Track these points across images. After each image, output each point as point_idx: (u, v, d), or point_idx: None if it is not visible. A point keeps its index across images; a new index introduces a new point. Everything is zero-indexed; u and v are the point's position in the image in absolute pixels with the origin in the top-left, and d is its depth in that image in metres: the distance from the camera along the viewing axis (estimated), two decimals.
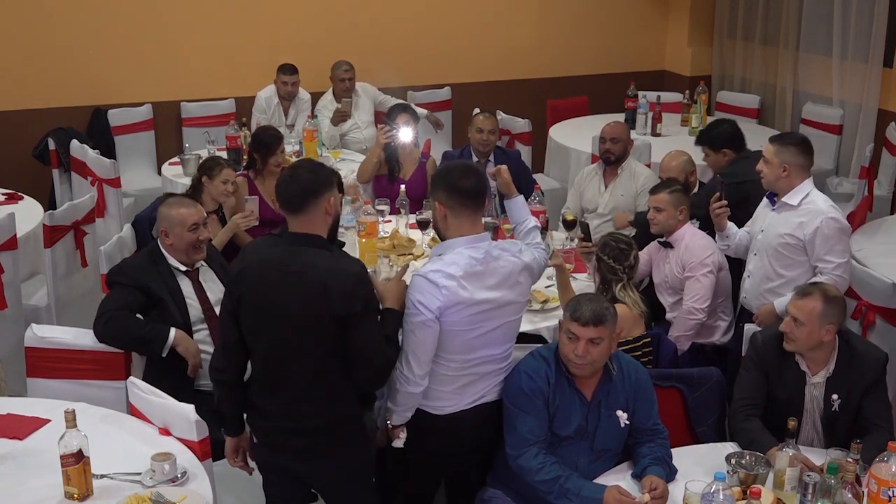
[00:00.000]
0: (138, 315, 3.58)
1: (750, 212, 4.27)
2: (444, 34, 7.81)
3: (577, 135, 6.67)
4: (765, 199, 4.13)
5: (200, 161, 5.04)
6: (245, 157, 5.49)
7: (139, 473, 2.78)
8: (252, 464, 3.21)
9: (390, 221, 4.92)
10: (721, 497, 2.58)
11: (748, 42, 7.99)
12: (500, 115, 6.77)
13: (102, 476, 2.75)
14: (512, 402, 3.09)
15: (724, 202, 4.17)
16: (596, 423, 3.07)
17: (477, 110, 5.71)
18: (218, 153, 5.77)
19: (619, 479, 3.00)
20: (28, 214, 5.12)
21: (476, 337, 3.03)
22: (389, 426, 3.12)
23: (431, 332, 2.96)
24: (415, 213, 4.89)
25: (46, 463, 2.79)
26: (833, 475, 2.72)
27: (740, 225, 4.29)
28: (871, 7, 6.73)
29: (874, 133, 6.79)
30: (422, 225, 4.75)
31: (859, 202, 5.69)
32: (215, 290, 3.71)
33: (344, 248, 3.02)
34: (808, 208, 3.91)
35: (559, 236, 4.77)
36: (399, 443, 3.11)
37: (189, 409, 2.93)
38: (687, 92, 7.17)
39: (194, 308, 3.69)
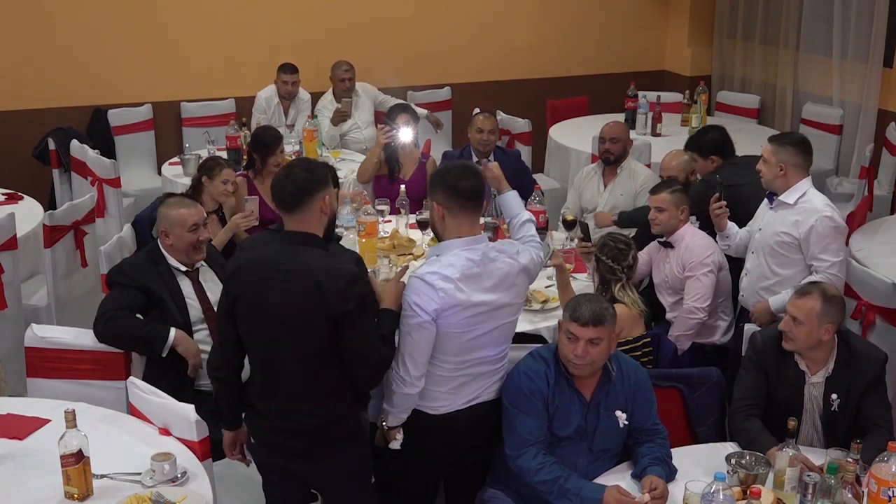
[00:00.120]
0: (138, 315, 3.58)
1: (736, 216, 4.29)
2: (444, 34, 7.81)
3: (577, 135, 6.67)
4: (765, 199, 4.14)
5: (200, 161, 5.04)
6: (245, 157, 5.49)
7: (139, 473, 2.78)
8: (250, 457, 3.20)
9: (390, 221, 4.92)
10: (721, 497, 2.58)
11: (748, 42, 7.99)
12: (500, 115, 6.77)
13: (102, 476, 2.75)
14: (511, 403, 3.08)
15: (724, 202, 4.19)
16: (595, 423, 3.07)
17: (477, 110, 5.71)
18: (218, 153, 5.78)
19: (618, 479, 3.00)
20: (28, 214, 5.12)
21: (472, 339, 3.03)
22: (385, 428, 3.11)
23: (428, 334, 2.96)
24: (415, 213, 4.89)
25: (46, 463, 2.79)
26: (833, 475, 2.72)
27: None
28: (871, 7, 6.73)
29: (874, 133, 6.79)
30: (422, 225, 4.75)
31: (859, 202, 5.69)
32: (215, 290, 3.70)
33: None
34: (803, 207, 3.92)
35: (559, 236, 4.77)
36: (396, 444, 3.10)
37: (189, 409, 2.93)
38: (687, 92, 7.17)
39: (194, 308, 3.69)
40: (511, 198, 3.47)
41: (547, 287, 4.12)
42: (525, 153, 6.67)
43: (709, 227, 4.40)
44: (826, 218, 3.86)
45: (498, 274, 3.04)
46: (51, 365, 3.49)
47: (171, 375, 3.52)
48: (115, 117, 6.94)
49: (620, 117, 6.46)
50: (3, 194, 5.45)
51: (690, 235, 4.28)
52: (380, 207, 4.91)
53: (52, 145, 6.29)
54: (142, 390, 3.09)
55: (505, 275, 3.06)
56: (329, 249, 2.94)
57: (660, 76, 8.60)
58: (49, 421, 3.07)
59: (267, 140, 5.05)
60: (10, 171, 6.34)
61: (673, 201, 4.25)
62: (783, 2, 7.52)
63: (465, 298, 2.96)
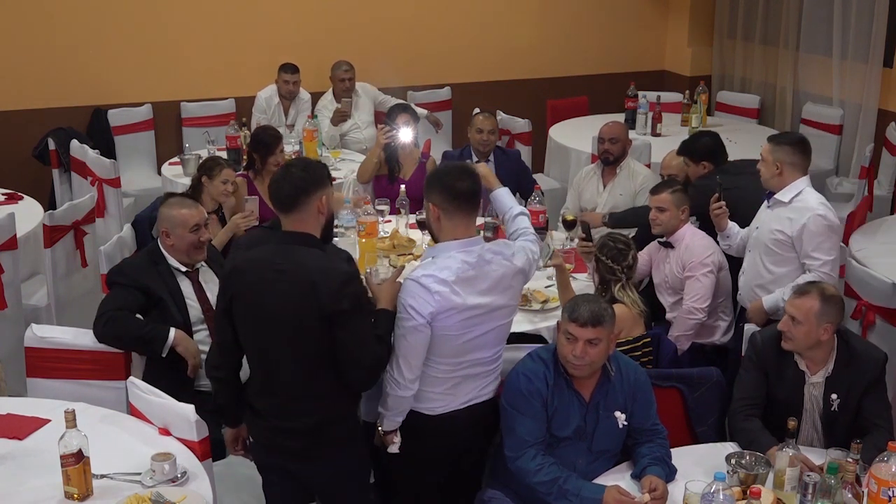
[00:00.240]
0: (138, 315, 3.58)
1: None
2: (444, 34, 7.81)
3: (577, 135, 6.67)
4: (765, 199, 4.14)
5: (200, 161, 5.04)
6: (245, 157, 5.49)
7: (139, 473, 2.78)
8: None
9: (390, 221, 4.92)
10: (721, 497, 2.58)
11: (748, 42, 7.99)
12: (500, 115, 6.77)
13: (102, 476, 2.75)
14: (510, 404, 3.08)
15: (723, 203, 4.20)
16: (594, 424, 3.07)
17: (477, 110, 5.71)
18: (218, 153, 5.77)
19: (618, 479, 3.00)
20: (28, 214, 5.12)
21: (467, 341, 3.02)
22: (382, 432, 3.11)
23: (423, 337, 2.95)
24: (415, 213, 4.89)
25: (46, 463, 2.79)
26: (833, 475, 2.72)
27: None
28: (871, 7, 6.73)
29: (874, 133, 6.79)
30: (422, 225, 4.74)
31: (859, 202, 5.69)
32: (215, 290, 3.67)
33: (343, 248, 3.02)
34: (798, 205, 3.93)
35: (559, 236, 4.77)
36: (394, 448, 3.10)
37: (189, 409, 2.93)
38: (687, 92, 7.17)
39: (194, 308, 3.69)
40: (503, 194, 3.46)
41: (547, 287, 4.12)
42: (525, 153, 6.67)
43: (709, 227, 4.40)
44: (819, 216, 3.86)
45: (493, 276, 3.03)
46: (51, 365, 3.48)
47: (171, 375, 3.52)
48: (115, 117, 6.94)
49: (620, 117, 6.46)
50: (3, 194, 5.45)
51: (690, 235, 4.28)
52: (380, 207, 4.91)
53: (52, 145, 6.29)
54: (142, 390, 3.09)
55: (500, 277, 3.05)
56: (326, 250, 2.94)
57: (660, 76, 8.60)
58: (49, 421, 3.07)
59: (267, 140, 5.05)
60: (10, 171, 6.33)
61: (674, 201, 4.25)
62: (783, 2, 7.52)
63: (461, 301, 2.95)
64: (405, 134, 5.31)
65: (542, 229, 4.50)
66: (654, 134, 6.68)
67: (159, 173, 6.62)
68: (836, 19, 6.99)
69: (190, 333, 3.63)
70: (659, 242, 4.38)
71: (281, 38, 7.22)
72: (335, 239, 4.08)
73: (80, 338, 3.51)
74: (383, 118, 5.72)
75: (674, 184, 4.41)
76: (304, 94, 6.91)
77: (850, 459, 2.81)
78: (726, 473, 2.81)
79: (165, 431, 3.01)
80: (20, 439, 2.99)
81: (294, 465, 3.01)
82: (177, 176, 5.89)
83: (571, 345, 2.98)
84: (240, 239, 4.28)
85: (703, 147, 4.87)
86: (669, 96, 7.30)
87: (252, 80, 6.99)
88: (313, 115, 6.67)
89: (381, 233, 4.69)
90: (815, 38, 7.30)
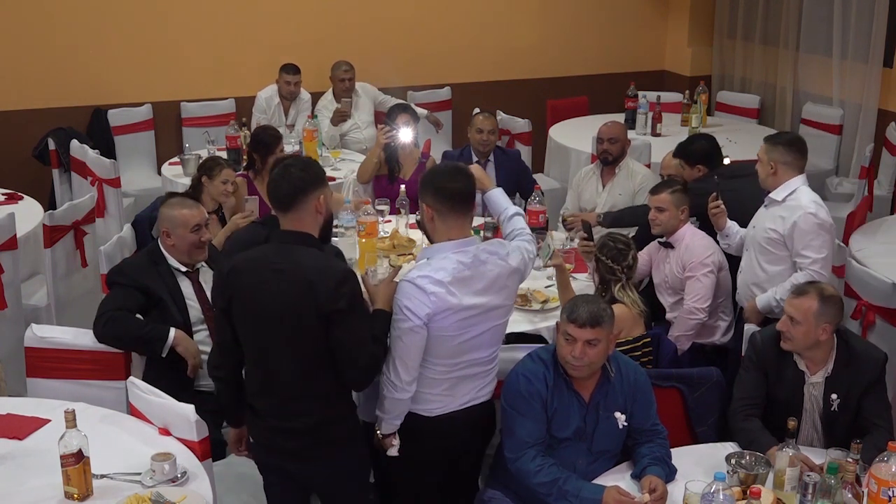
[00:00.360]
0: (138, 315, 3.58)
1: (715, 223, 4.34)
2: (444, 34, 7.81)
3: (576, 135, 6.67)
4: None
5: (200, 161, 5.04)
6: (245, 157, 5.49)
7: (139, 473, 2.78)
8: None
9: (390, 221, 4.92)
10: (721, 497, 2.58)
11: (748, 42, 7.98)
12: (500, 115, 6.77)
13: (102, 476, 2.75)
14: (510, 405, 3.08)
15: (720, 202, 4.22)
16: (594, 424, 3.06)
17: (477, 110, 5.71)
18: (218, 153, 5.78)
19: (618, 479, 3.00)
20: (28, 214, 5.12)
21: (464, 342, 3.02)
22: (380, 436, 3.11)
23: (419, 339, 2.94)
24: (415, 213, 4.88)
25: (46, 463, 2.79)
26: (833, 475, 2.72)
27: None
28: (871, 7, 6.73)
29: (874, 133, 6.78)
30: (421, 225, 4.74)
31: (859, 202, 5.69)
32: None
33: (341, 248, 3.01)
34: (790, 204, 3.95)
35: (559, 236, 4.77)
36: (393, 451, 3.09)
37: (189, 409, 2.93)
38: (687, 92, 7.17)
39: (194, 309, 3.69)
40: (497, 195, 3.42)
41: (547, 287, 4.13)
42: (525, 153, 6.67)
43: (709, 227, 4.41)
44: (810, 214, 3.87)
45: (489, 276, 3.02)
46: (51, 365, 3.49)
47: (171, 375, 3.52)
48: (115, 117, 6.94)
49: (620, 117, 6.46)
50: (3, 194, 5.45)
51: (690, 235, 4.28)
52: (380, 207, 4.91)
53: (52, 145, 6.29)
54: (142, 390, 3.09)
55: (496, 277, 3.04)
56: (324, 249, 2.94)
57: (660, 76, 8.60)
58: (49, 421, 3.07)
59: (266, 140, 5.05)
60: (10, 171, 6.33)
61: (673, 201, 4.25)
62: (783, 2, 7.52)
63: (457, 302, 2.95)
64: (405, 134, 5.31)
65: (542, 229, 4.50)
66: (654, 134, 6.68)
67: (159, 173, 6.62)
68: (836, 19, 6.99)
69: (190, 334, 3.62)
70: (659, 242, 4.38)
71: (281, 38, 7.22)
72: (335, 239, 4.09)
73: (80, 338, 3.51)
74: (383, 118, 5.72)
75: (673, 184, 4.41)
76: (305, 95, 6.91)
77: (850, 459, 2.81)
78: (726, 473, 2.81)
79: (165, 431, 3.01)
80: (20, 439, 2.99)
81: (293, 466, 3.00)
82: (177, 176, 5.89)
83: (570, 346, 2.98)
84: (231, 235, 4.27)
85: (698, 150, 4.88)
86: (669, 96, 7.30)
87: (252, 80, 6.99)
88: (313, 115, 6.67)
89: (381, 233, 4.69)
90: (815, 38, 7.30)
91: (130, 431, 3.06)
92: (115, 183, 5.68)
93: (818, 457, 2.98)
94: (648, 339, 3.77)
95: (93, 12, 6.81)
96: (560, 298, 3.90)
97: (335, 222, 4.16)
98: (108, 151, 6.64)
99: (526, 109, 7.29)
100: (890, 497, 2.63)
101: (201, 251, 3.71)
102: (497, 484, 3.24)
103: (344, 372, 2.89)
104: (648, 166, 5.61)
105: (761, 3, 7.77)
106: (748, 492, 2.72)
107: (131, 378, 3.23)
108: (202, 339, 3.66)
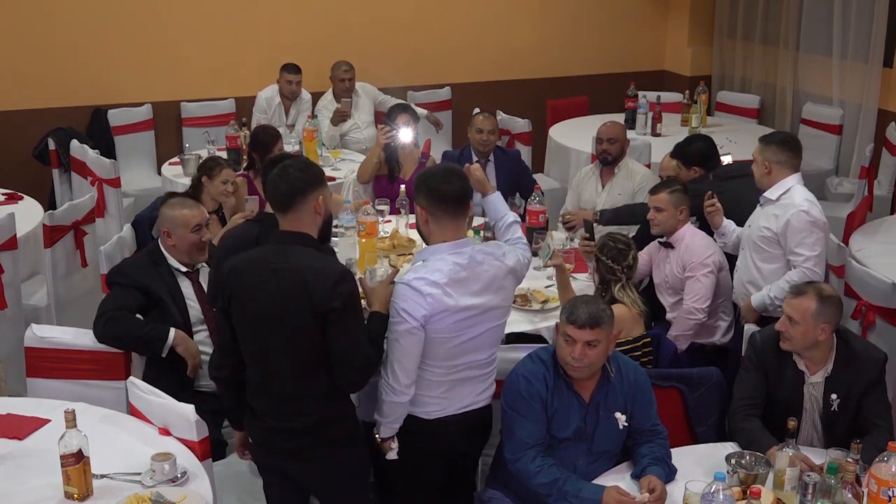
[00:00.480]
0: (138, 315, 3.58)
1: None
2: (444, 34, 7.81)
3: (576, 135, 6.67)
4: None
5: (200, 161, 5.04)
6: (245, 157, 5.49)
7: (139, 473, 2.78)
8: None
9: (390, 221, 4.92)
10: (721, 497, 2.58)
11: (748, 42, 7.98)
12: (500, 115, 6.77)
13: (102, 476, 2.75)
14: (510, 406, 3.07)
15: (715, 200, 4.25)
16: (594, 425, 3.06)
17: (477, 110, 5.71)
18: (218, 153, 5.78)
19: (618, 479, 3.00)
20: (28, 214, 5.12)
21: (461, 343, 3.01)
22: (379, 440, 3.10)
23: (416, 340, 2.94)
24: (414, 214, 4.88)
25: (46, 463, 2.79)
26: (833, 475, 2.72)
27: None
28: (871, 7, 6.73)
29: (874, 133, 6.78)
30: None
31: (859, 202, 5.69)
32: None
33: (342, 248, 3.01)
34: (784, 202, 3.97)
35: (559, 236, 4.77)
36: (392, 454, 3.08)
37: (189, 409, 2.93)
38: (687, 92, 7.17)
39: (194, 309, 3.69)
40: (496, 200, 3.43)
41: (547, 287, 4.13)
42: (525, 153, 6.67)
43: (708, 227, 4.41)
44: (802, 212, 3.89)
45: (485, 277, 3.02)
46: (51, 365, 3.49)
47: (171, 376, 3.52)
48: (115, 117, 6.94)
49: (620, 117, 6.46)
50: (3, 194, 5.45)
51: (690, 236, 4.28)
52: (380, 207, 4.91)
53: (52, 145, 6.29)
54: (142, 390, 3.09)
55: (492, 277, 3.04)
56: (322, 250, 2.94)
57: (660, 76, 8.60)
58: (49, 421, 3.07)
59: (265, 139, 5.06)
60: (10, 171, 6.33)
61: (672, 202, 4.25)
62: (783, 2, 7.52)
63: (454, 303, 2.94)
64: (405, 134, 5.31)
65: (542, 229, 4.50)
66: (654, 134, 6.69)
67: (159, 173, 6.62)
68: (836, 19, 6.99)
69: (190, 334, 3.62)
70: (659, 242, 4.38)
71: (281, 38, 7.22)
72: (334, 239, 4.09)
73: (80, 338, 3.51)
74: (383, 118, 5.72)
75: (672, 184, 4.41)
76: (305, 95, 6.91)
77: (850, 459, 2.81)
78: (726, 473, 2.81)
79: (165, 431, 3.01)
80: (20, 439, 2.99)
81: (292, 466, 3.00)
82: (177, 176, 5.89)
83: (570, 347, 2.98)
84: (225, 232, 4.27)
85: (695, 152, 4.89)
86: (669, 96, 7.30)
87: (252, 80, 6.99)
88: (313, 115, 6.67)
89: (381, 233, 4.69)
90: (815, 38, 7.30)
91: (130, 431, 3.07)
92: (115, 183, 5.68)
93: (818, 457, 2.98)
94: (648, 340, 3.77)
95: (93, 12, 6.81)
96: (560, 298, 3.90)
97: (335, 222, 4.16)
98: (108, 151, 6.64)
99: (526, 109, 7.29)
100: (890, 497, 2.63)
101: (202, 251, 3.71)
102: (497, 484, 3.24)
103: (338, 372, 2.88)
104: (648, 166, 5.61)
105: (761, 3, 7.77)
106: (748, 492, 2.72)
107: (131, 378, 3.23)
108: (202, 340, 3.66)
